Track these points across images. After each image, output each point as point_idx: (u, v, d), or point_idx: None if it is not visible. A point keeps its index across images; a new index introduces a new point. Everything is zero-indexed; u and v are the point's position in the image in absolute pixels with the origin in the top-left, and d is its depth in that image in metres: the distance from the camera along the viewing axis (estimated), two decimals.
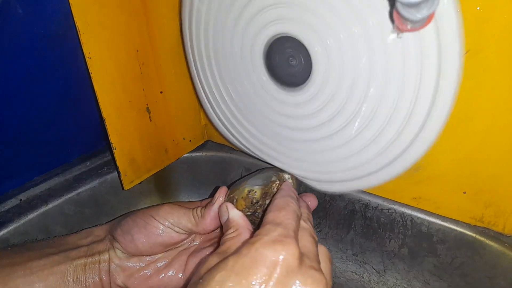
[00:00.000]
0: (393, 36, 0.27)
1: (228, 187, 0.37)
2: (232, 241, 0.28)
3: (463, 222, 0.36)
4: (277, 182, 0.35)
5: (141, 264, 0.35)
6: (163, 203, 0.36)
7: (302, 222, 0.29)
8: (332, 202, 0.44)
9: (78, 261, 0.33)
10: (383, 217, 0.41)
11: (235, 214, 0.31)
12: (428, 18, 0.23)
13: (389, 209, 0.40)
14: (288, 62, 0.34)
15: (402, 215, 0.39)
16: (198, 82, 0.43)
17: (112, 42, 0.39)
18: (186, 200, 0.55)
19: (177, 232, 0.35)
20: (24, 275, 0.31)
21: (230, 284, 0.23)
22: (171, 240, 0.35)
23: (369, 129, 0.32)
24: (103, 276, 0.34)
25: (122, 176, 0.43)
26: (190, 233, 0.36)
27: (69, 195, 0.43)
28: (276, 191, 0.34)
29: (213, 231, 0.35)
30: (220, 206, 0.33)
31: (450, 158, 0.34)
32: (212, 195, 0.36)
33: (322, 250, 0.28)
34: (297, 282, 0.23)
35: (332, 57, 0.31)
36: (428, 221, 0.38)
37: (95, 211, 0.46)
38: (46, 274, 0.32)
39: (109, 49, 0.39)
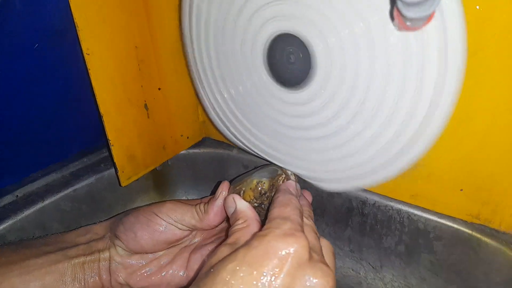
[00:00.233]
0: (395, 33, 0.27)
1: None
2: (241, 232, 0.28)
3: (459, 219, 0.37)
4: (283, 175, 0.35)
5: (143, 261, 0.35)
6: (166, 201, 0.36)
7: (304, 219, 0.29)
8: (329, 199, 0.44)
9: (76, 259, 0.33)
10: (380, 214, 0.41)
11: (243, 205, 0.31)
12: (429, 17, 0.23)
13: (386, 206, 0.40)
14: (289, 60, 0.34)
15: (399, 212, 0.40)
16: (197, 79, 0.43)
17: (111, 39, 0.38)
18: (183, 198, 0.55)
19: (180, 229, 0.35)
20: (20, 274, 0.30)
21: (241, 274, 0.23)
22: (174, 237, 0.35)
23: (369, 128, 0.32)
24: (103, 275, 0.34)
25: (119, 173, 0.43)
26: (193, 229, 0.35)
27: (66, 191, 0.43)
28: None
29: (216, 226, 0.35)
30: (226, 198, 0.33)
31: (449, 157, 0.34)
32: (210, 192, 0.36)
33: (326, 244, 0.29)
34: (308, 274, 0.24)
35: (333, 56, 0.31)
36: (425, 218, 0.38)
37: (92, 208, 0.45)
38: (43, 273, 0.31)
39: (108, 45, 0.38)
